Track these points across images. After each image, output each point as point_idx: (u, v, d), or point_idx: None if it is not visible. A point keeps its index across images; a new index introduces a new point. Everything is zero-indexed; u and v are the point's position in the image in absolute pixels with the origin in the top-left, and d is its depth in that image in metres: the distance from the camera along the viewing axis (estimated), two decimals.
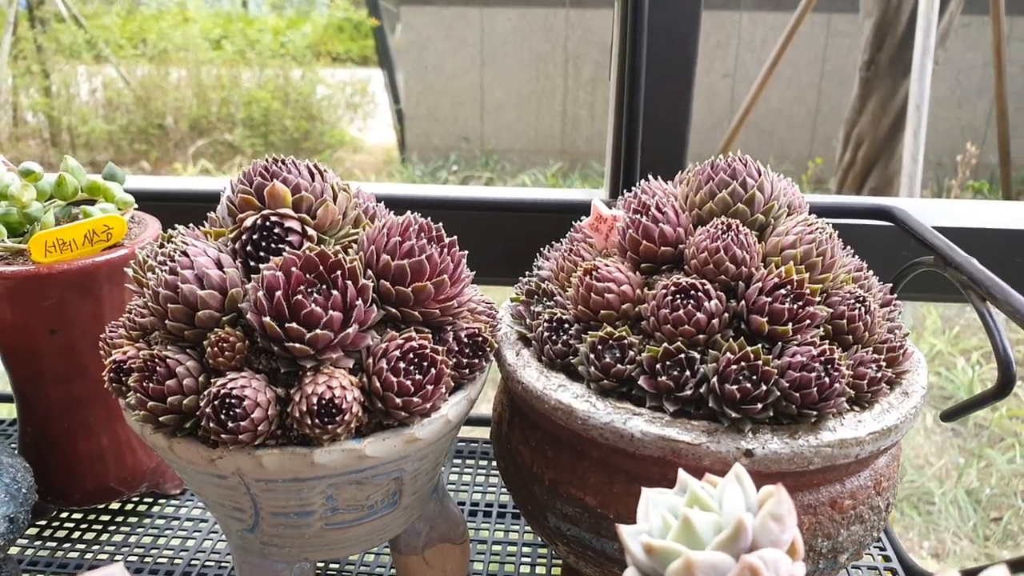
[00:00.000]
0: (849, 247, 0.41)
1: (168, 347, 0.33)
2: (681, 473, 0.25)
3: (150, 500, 0.54)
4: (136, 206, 0.48)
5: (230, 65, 4.96)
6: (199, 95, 4.75)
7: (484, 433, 0.62)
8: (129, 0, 5.72)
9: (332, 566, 0.48)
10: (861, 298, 0.36)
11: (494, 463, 0.58)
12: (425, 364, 0.34)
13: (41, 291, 0.42)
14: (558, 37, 4.45)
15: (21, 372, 0.47)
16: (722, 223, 0.36)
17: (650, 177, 0.42)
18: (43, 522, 0.52)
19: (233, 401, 0.31)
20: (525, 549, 0.50)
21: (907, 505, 1.70)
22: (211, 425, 0.31)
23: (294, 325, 0.31)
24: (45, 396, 0.47)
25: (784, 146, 4.65)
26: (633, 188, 0.42)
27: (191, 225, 0.37)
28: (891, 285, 0.41)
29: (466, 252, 0.37)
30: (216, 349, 0.32)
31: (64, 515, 0.53)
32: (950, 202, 0.60)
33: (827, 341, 0.35)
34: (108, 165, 0.48)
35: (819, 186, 4.44)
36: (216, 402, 0.31)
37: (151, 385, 0.32)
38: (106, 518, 0.53)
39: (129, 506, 0.54)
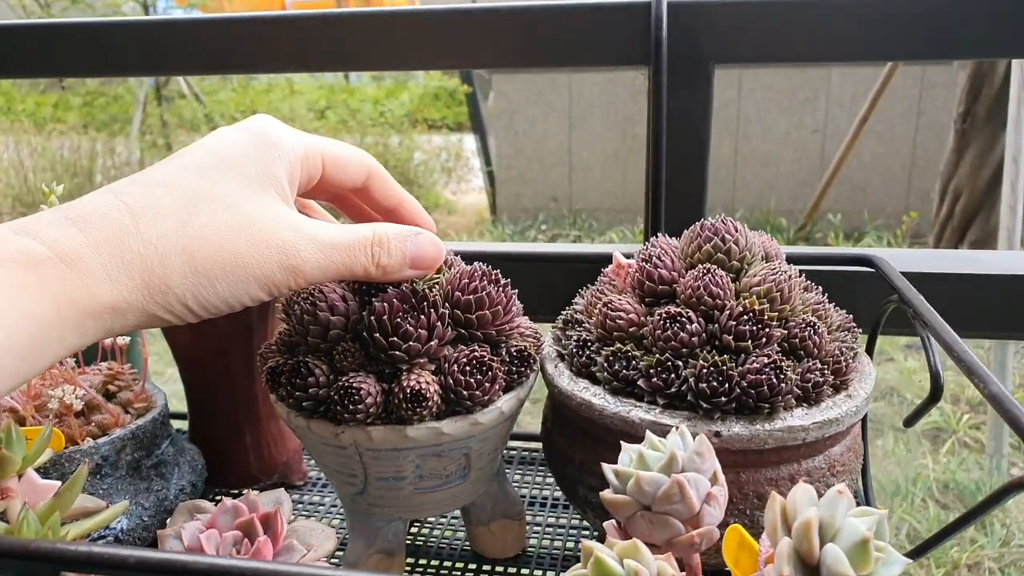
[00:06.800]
0: (820, 287, 0.53)
1: (308, 355, 0.48)
2: (647, 432, 0.38)
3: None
4: None
5: (333, 133, 5.31)
6: None
7: (537, 446, 0.75)
8: (243, 77, 6.22)
9: (419, 538, 0.62)
10: (812, 323, 0.48)
11: (544, 467, 0.71)
12: (485, 369, 0.47)
13: (215, 326, 0.58)
14: (645, 99, 4.59)
15: (195, 385, 0.63)
16: (704, 268, 0.49)
17: (659, 235, 0.55)
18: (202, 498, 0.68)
19: (353, 391, 0.45)
20: (571, 531, 0.62)
21: (1015, 570, 1.68)
22: (338, 408, 0.46)
23: (395, 339, 0.46)
24: (211, 404, 0.63)
25: (879, 200, 4.58)
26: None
27: None
28: (851, 315, 0.52)
29: (516, 290, 0.50)
30: (341, 356, 0.47)
31: (217, 495, 0.69)
32: (925, 251, 0.70)
33: (782, 355, 0.47)
34: None
35: (916, 240, 4.35)
36: (342, 392, 0.45)
37: (297, 381, 0.47)
38: None
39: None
